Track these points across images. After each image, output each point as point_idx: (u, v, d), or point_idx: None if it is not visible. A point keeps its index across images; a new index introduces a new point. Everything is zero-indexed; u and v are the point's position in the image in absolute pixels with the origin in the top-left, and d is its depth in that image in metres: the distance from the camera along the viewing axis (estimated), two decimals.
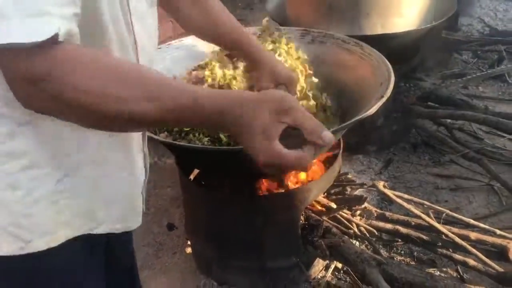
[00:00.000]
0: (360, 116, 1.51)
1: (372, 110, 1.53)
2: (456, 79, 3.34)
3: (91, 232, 0.95)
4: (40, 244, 0.87)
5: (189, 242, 2.19)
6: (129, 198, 1.02)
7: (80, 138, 0.87)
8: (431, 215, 2.01)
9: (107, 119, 0.74)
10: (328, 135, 0.80)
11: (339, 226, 1.91)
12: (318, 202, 1.97)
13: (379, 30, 2.33)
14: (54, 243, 0.88)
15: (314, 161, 1.57)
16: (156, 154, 2.72)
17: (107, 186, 0.95)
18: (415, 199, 2.02)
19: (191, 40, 2.00)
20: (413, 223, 1.92)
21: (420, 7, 2.37)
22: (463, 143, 2.69)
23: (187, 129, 1.62)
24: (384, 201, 2.30)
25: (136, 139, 0.99)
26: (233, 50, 1.43)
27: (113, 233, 0.99)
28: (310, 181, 1.86)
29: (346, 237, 1.83)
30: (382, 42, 2.32)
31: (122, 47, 0.88)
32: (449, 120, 2.75)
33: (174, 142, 1.50)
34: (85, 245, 0.94)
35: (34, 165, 0.84)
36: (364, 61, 1.87)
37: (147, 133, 1.45)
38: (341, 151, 1.97)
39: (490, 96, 3.30)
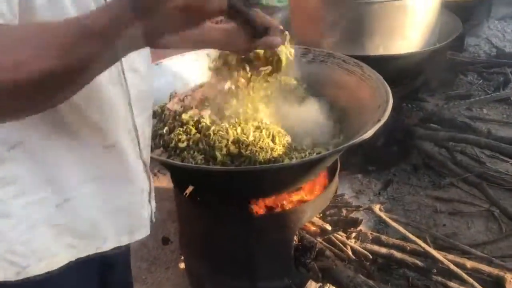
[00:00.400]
0: (356, 140, 1.49)
1: (368, 134, 1.52)
2: (460, 101, 3.32)
3: (98, 251, 0.93)
4: (38, 268, 0.85)
5: (182, 258, 2.17)
6: (132, 208, 1.00)
7: (75, 157, 0.86)
8: (428, 240, 1.99)
9: (21, 90, 0.62)
10: None
11: (333, 248, 1.88)
12: (313, 223, 1.95)
13: (381, 51, 2.32)
14: (54, 266, 0.87)
15: None
16: (155, 166, 2.71)
17: (108, 200, 0.93)
18: (412, 223, 1.99)
19: (194, 56, 2.02)
20: (408, 248, 1.90)
21: (423, 29, 2.36)
22: (464, 166, 2.66)
23: (182, 145, 1.62)
24: (381, 223, 2.27)
25: (132, 147, 0.96)
26: None
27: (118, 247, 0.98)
28: (305, 201, 1.84)
29: (339, 260, 1.80)
30: (384, 63, 2.31)
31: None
32: (451, 143, 2.72)
33: (167, 160, 1.50)
34: (79, 265, 0.92)
35: (27, 191, 0.82)
36: (363, 82, 1.86)
37: None
38: (338, 172, 1.95)
39: (494, 118, 3.27)
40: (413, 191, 2.61)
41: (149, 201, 1.06)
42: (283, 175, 1.56)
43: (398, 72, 2.38)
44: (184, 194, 1.87)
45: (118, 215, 0.96)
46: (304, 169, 1.59)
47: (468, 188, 2.54)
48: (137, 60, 0.95)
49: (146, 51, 1.00)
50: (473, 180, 2.37)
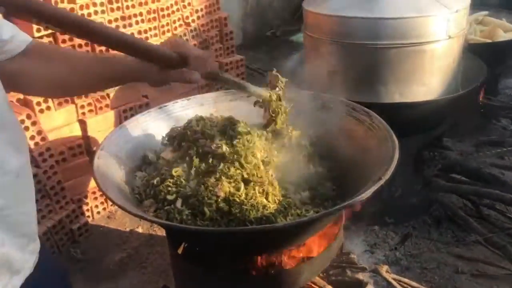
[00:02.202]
0: (351, 201, 1.36)
1: (367, 193, 1.39)
2: (491, 148, 3.11)
3: None
4: None
5: None
6: None
7: None
8: None
9: None
10: None
11: None
12: (315, 283, 1.80)
13: (397, 98, 2.19)
14: None
15: None
16: None
17: None
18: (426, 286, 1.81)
19: (199, 99, 1.97)
20: None
21: (443, 76, 2.22)
22: (492, 222, 2.45)
23: (171, 198, 1.53)
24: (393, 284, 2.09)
25: None
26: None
27: None
28: (303, 261, 1.70)
29: None
30: (400, 111, 2.19)
31: None
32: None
33: (145, 216, 1.40)
34: None
35: None
36: (371, 133, 1.74)
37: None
38: (341, 228, 1.81)
39: None
40: (433, 247, 2.41)
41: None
42: (273, 235, 1.44)
43: (415, 120, 2.24)
44: (176, 248, 1.77)
45: None
46: (295, 230, 1.47)
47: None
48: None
49: None
50: (496, 241, 2.16)
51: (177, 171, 1.57)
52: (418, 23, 2.07)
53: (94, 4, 2.64)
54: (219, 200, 1.45)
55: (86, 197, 2.77)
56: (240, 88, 1.45)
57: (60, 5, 2.47)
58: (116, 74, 1.17)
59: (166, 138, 1.75)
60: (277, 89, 1.64)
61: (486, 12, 3.55)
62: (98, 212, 2.86)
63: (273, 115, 1.65)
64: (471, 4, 2.29)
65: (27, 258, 1.01)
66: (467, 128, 3.28)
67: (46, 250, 1.17)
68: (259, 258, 1.66)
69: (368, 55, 2.16)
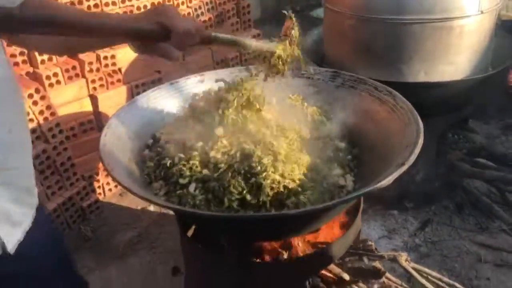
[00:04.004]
0: (370, 188, 1.28)
1: (388, 180, 1.31)
2: None
3: None
4: None
5: None
6: None
7: None
8: None
9: None
10: None
11: None
12: (330, 271, 1.72)
13: (422, 78, 2.06)
14: None
15: None
16: None
17: None
18: (445, 279, 1.72)
19: (213, 75, 1.88)
20: None
21: (472, 54, 2.08)
22: None
23: (184, 181, 1.44)
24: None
25: None
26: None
27: None
28: (319, 248, 1.62)
29: None
30: (425, 91, 2.06)
31: None
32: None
33: (156, 201, 1.31)
34: None
35: None
36: (394, 114, 1.63)
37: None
38: (360, 214, 1.72)
39: None
40: (455, 234, 2.31)
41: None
42: (284, 222, 1.36)
43: (441, 100, 2.11)
44: (186, 231, 1.70)
45: None
46: (308, 218, 1.38)
47: None
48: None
49: None
50: None
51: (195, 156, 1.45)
52: None
53: None
54: (245, 192, 1.34)
55: (97, 174, 2.72)
56: (240, 45, 1.28)
57: None
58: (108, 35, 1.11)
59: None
60: (293, 32, 1.44)
61: None
62: (110, 190, 2.81)
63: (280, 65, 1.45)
64: None
65: (25, 212, 1.06)
66: (494, 110, 3.12)
67: (43, 210, 1.22)
68: (272, 243, 1.60)
69: (391, 31, 2.03)
